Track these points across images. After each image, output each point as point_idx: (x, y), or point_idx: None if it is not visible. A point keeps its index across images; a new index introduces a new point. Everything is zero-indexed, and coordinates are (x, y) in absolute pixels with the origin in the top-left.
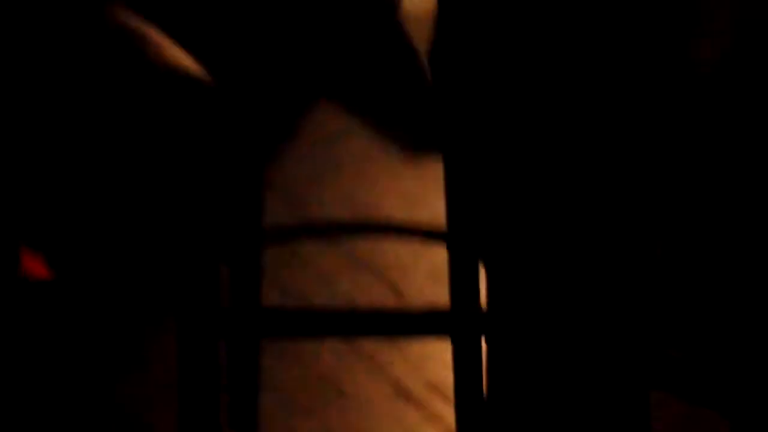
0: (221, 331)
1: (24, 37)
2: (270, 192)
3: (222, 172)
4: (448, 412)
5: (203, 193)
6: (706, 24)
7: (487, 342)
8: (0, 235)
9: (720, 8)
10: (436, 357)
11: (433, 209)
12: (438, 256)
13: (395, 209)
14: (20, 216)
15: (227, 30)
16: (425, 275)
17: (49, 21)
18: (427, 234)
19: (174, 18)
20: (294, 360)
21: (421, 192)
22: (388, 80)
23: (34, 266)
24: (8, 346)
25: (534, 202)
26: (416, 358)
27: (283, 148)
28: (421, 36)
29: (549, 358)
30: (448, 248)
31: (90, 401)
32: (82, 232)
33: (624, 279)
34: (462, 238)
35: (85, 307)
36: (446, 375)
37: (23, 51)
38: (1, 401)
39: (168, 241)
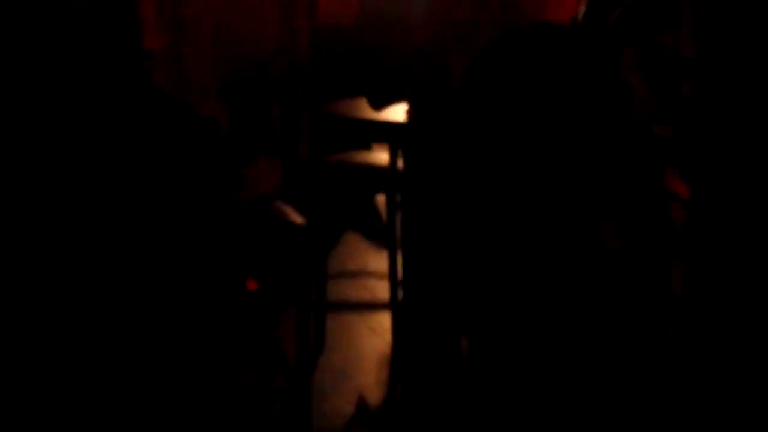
0: (310, 310)
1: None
2: (328, 262)
3: (309, 255)
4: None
5: (303, 263)
6: None
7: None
8: (237, 273)
9: None
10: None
11: (384, 266)
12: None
13: (372, 266)
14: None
15: (316, 208)
16: (383, 288)
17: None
18: (381, 276)
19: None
20: (334, 319)
21: (382, 261)
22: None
23: (251, 284)
24: (228, 325)
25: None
26: (376, 321)
27: (332, 248)
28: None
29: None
30: (390, 280)
31: (259, 346)
32: (268, 274)
33: None
34: (393, 275)
35: (264, 303)
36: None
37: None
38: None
39: (299, 283)
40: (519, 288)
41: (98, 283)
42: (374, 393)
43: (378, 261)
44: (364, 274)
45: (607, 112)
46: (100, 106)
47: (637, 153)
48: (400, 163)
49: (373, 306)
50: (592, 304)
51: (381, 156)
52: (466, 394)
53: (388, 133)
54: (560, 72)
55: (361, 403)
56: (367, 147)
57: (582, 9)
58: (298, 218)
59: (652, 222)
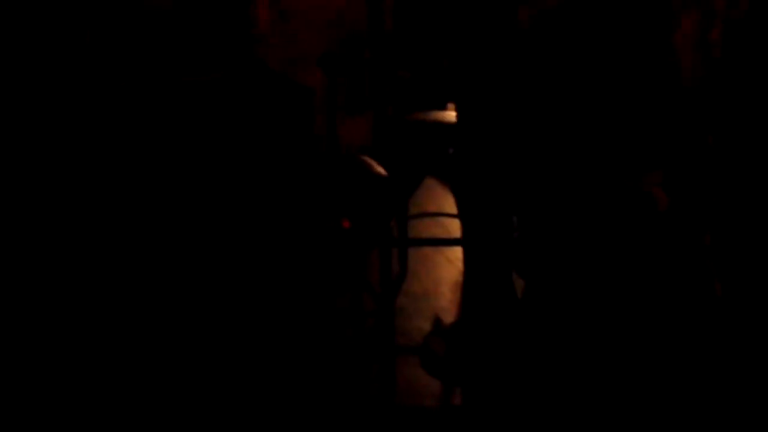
0: (392, 246)
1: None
2: (412, 204)
3: (392, 199)
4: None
5: (385, 208)
6: None
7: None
8: (333, 213)
9: None
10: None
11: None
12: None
13: (448, 207)
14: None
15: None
16: (456, 226)
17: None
18: (454, 215)
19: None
20: (416, 252)
21: (452, 202)
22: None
23: (346, 223)
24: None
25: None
26: (452, 253)
27: (415, 191)
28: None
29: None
30: (461, 220)
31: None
32: (358, 215)
33: None
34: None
35: (355, 239)
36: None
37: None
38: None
39: (380, 221)
40: (570, 235)
41: (224, 224)
42: (448, 313)
43: (453, 203)
44: (441, 214)
45: (657, 76)
46: (216, 81)
47: (684, 114)
48: None
49: (448, 241)
50: (640, 252)
51: (453, 114)
52: (521, 320)
53: (456, 95)
54: (621, 35)
55: (437, 321)
56: (442, 107)
57: None
58: (381, 170)
59: (698, 173)
